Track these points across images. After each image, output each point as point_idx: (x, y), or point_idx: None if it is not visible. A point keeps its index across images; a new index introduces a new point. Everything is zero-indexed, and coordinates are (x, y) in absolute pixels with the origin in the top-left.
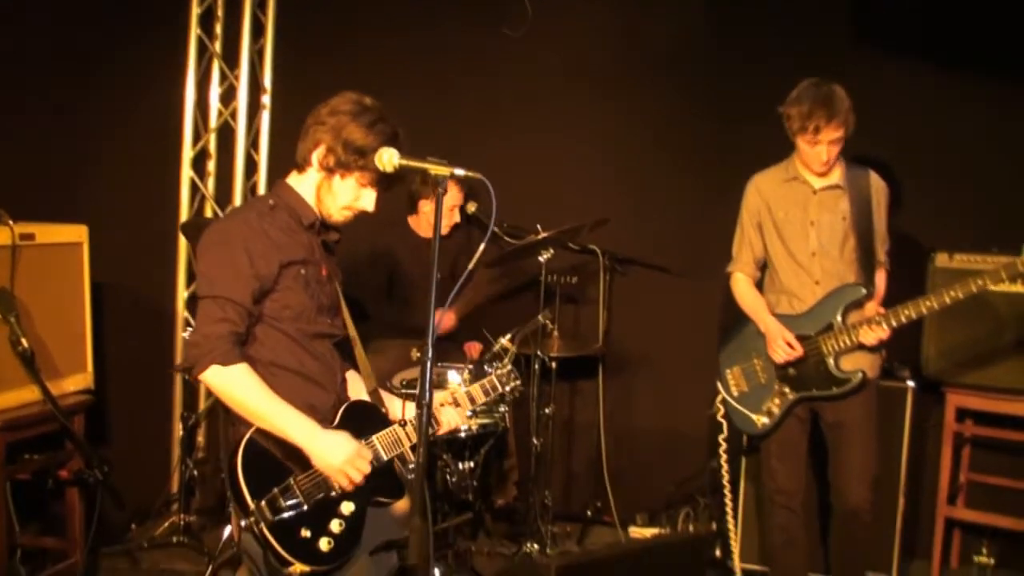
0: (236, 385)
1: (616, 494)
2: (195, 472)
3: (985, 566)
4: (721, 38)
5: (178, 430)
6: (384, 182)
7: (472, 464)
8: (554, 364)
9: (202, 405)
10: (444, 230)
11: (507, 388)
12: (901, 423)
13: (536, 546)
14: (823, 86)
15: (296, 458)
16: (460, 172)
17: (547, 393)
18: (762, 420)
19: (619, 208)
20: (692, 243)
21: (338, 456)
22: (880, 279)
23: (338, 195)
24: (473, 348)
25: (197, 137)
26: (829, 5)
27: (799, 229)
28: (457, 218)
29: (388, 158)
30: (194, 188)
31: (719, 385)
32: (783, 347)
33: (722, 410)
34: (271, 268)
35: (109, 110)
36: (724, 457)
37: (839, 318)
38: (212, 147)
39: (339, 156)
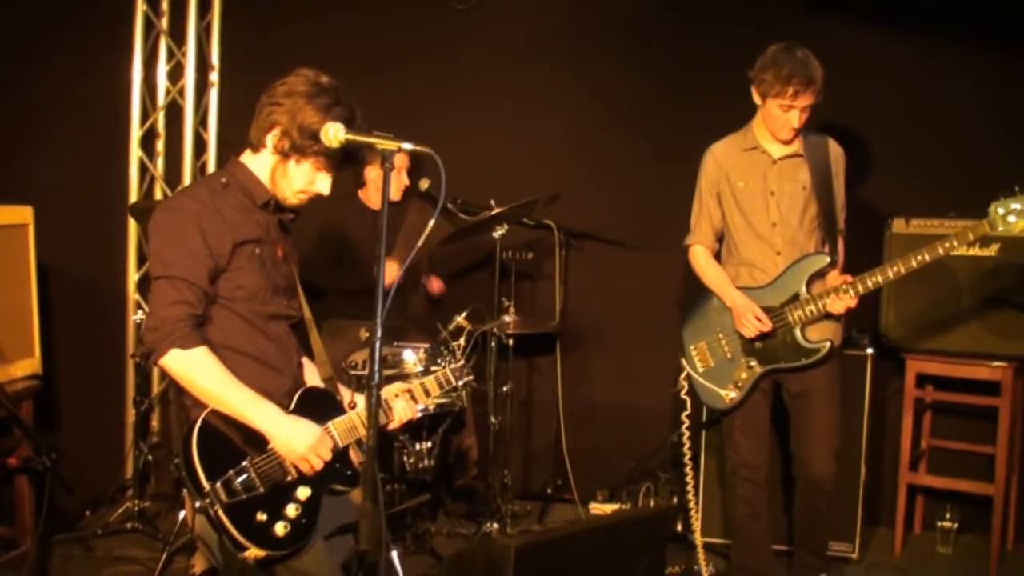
0: (197, 369)
1: (576, 471)
2: (149, 457)
3: (948, 530)
4: (677, 8)
5: (131, 415)
6: (338, 165)
7: (430, 444)
8: (511, 341)
9: (155, 389)
10: (395, 195)
11: (460, 383)
12: (861, 391)
13: (496, 526)
14: (797, 50)
15: (252, 440)
16: (408, 147)
17: (504, 371)
18: (729, 395)
19: (575, 182)
20: (649, 216)
21: (302, 443)
22: (839, 247)
23: (293, 179)
24: (433, 283)
25: (145, 116)
26: None
27: (759, 199)
28: (406, 180)
29: (334, 133)
30: (143, 168)
31: (683, 362)
32: (752, 321)
33: (686, 387)
34: (225, 247)
35: (55, 88)
36: (686, 433)
37: (805, 288)
38: (161, 126)
39: (294, 140)
